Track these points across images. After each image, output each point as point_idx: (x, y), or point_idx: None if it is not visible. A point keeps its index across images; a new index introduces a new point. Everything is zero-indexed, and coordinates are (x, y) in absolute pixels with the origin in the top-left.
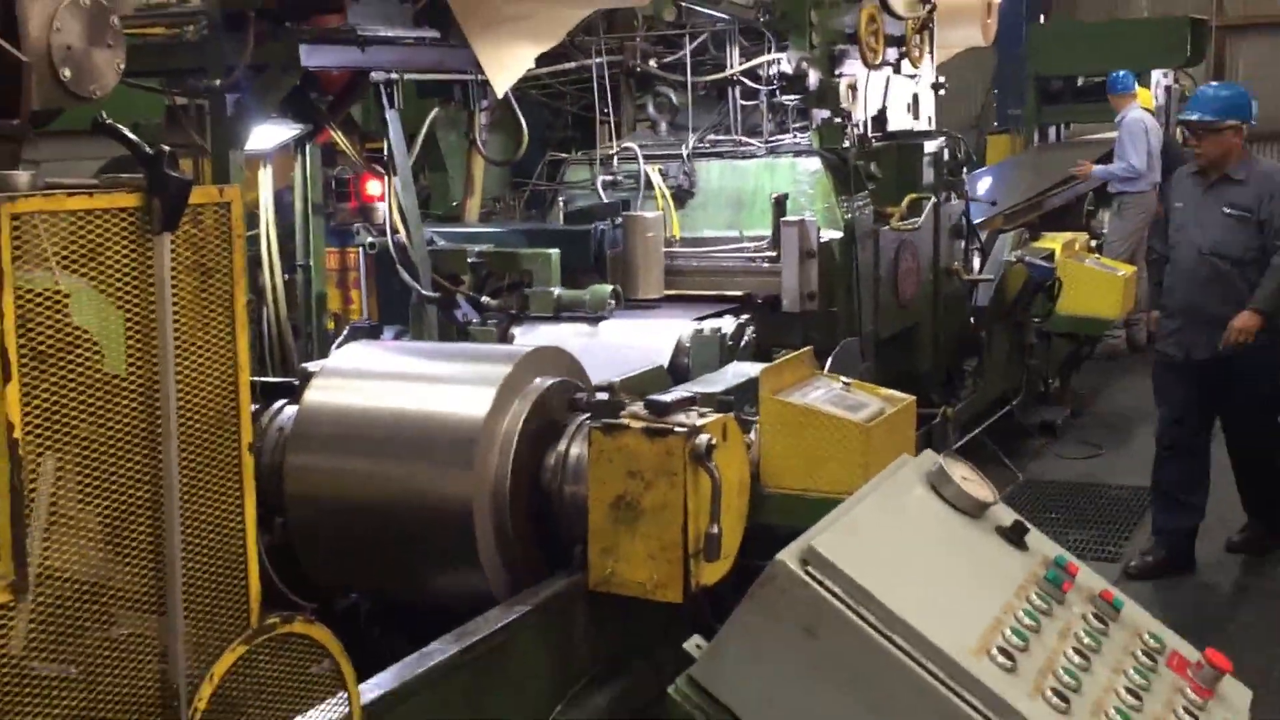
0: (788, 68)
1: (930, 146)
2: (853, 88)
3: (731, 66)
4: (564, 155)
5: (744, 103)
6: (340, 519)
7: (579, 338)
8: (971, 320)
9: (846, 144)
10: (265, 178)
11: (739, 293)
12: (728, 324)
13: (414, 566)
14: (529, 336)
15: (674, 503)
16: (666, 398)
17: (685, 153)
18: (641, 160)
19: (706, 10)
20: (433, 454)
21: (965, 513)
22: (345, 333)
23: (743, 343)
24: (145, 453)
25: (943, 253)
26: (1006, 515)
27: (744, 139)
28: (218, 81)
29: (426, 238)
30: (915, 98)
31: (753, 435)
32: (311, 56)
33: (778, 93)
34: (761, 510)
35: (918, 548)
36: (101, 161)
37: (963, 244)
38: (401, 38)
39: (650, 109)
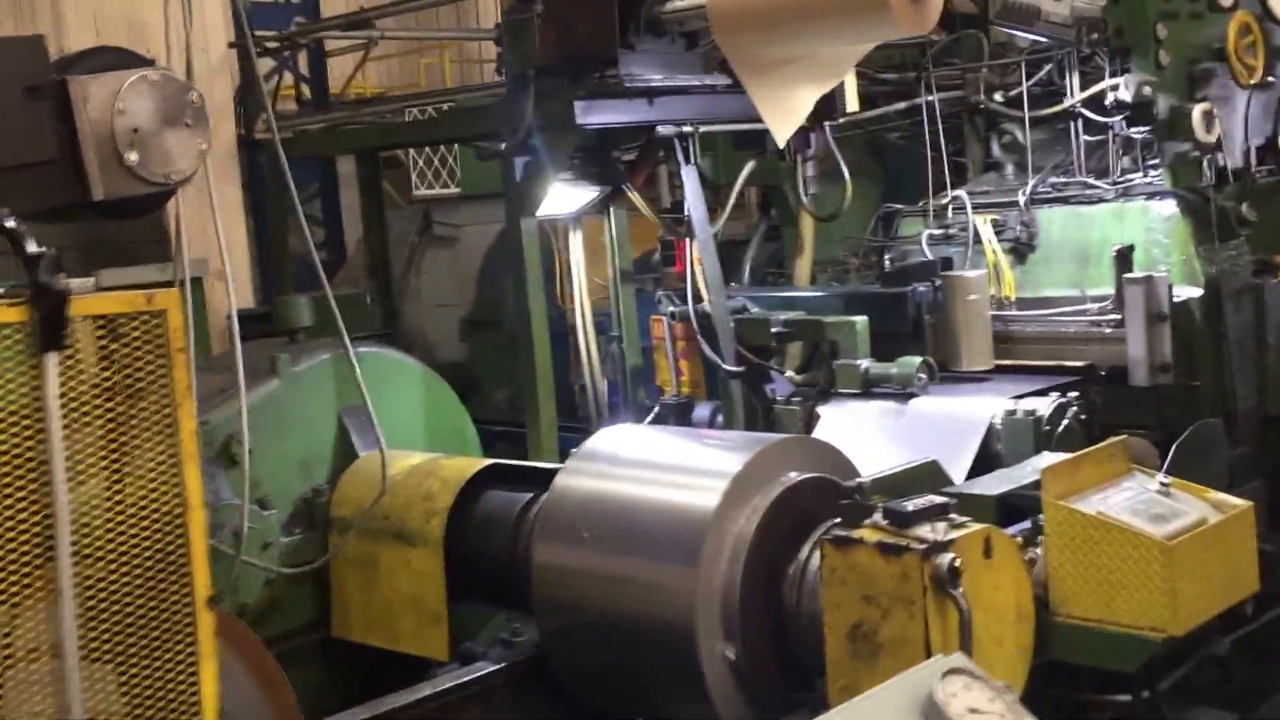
0: (1126, 94)
1: None
2: (1209, 114)
3: (1071, 96)
4: (897, 207)
5: (1090, 139)
6: (575, 628)
7: (884, 417)
8: None
9: (1203, 181)
10: (575, 242)
11: (1080, 363)
12: (1044, 404)
13: (642, 687)
14: (834, 415)
15: (914, 636)
16: (910, 505)
17: (1022, 200)
18: (970, 210)
19: (1021, 33)
20: (657, 555)
21: None
22: (655, 409)
23: (1062, 426)
24: (43, 611)
25: None
26: None
27: (1090, 181)
28: (502, 145)
29: (739, 304)
30: None
31: (1040, 550)
32: (588, 114)
33: (1124, 124)
34: (1051, 642)
35: None
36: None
37: None
38: (685, 87)
39: (995, 150)
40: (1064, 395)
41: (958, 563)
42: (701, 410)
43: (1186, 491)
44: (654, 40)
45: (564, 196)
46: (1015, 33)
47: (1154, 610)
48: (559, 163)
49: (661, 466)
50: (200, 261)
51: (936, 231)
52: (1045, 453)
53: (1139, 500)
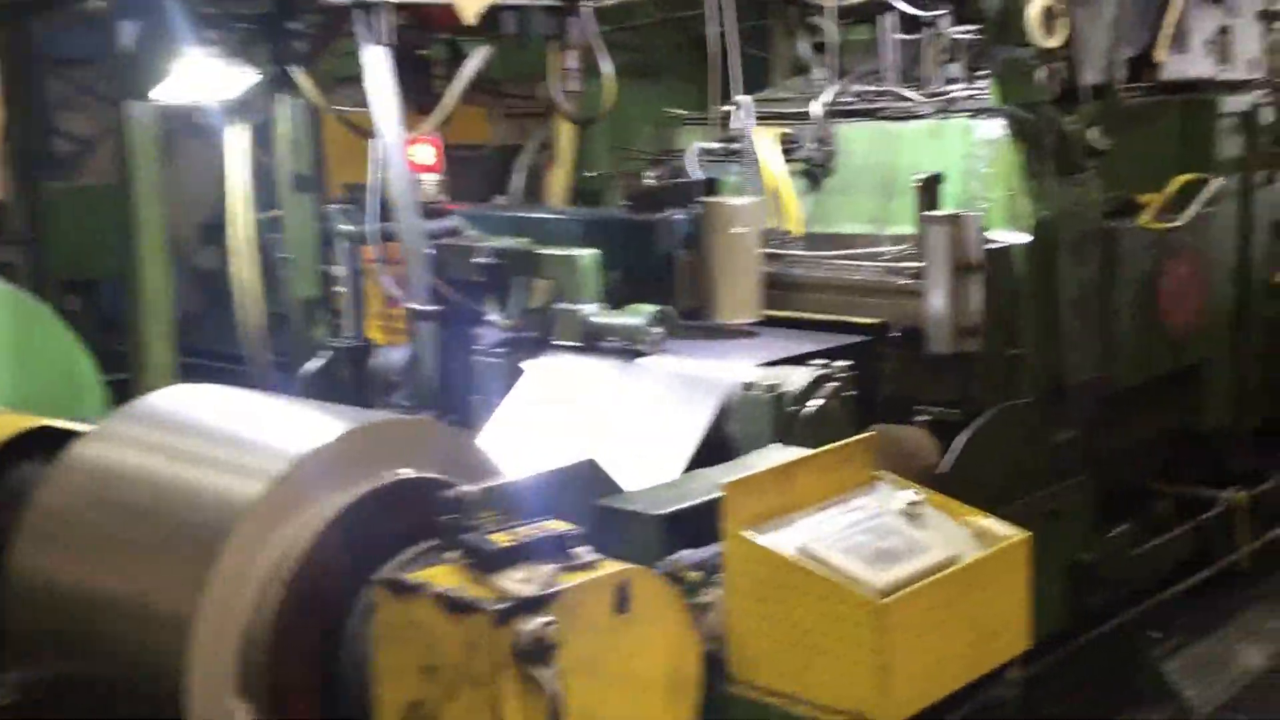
0: None
1: (1235, 104)
2: (1050, 11)
3: None
4: (679, 113)
5: (908, 38)
6: (57, 667)
7: (602, 381)
8: None
9: (1041, 98)
10: (236, 138)
11: (872, 320)
12: (795, 376)
13: None
14: (540, 373)
15: None
16: (506, 538)
17: (815, 110)
18: (748, 120)
19: None
20: (154, 565)
21: None
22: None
23: (808, 405)
24: None
25: (1255, 260)
26: None
27: (903, 92)
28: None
29: (448, 225)
30: (1225, 31)
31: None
32: None
33: (943, 22)
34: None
35: None
36: None
37: None
38: None
39: (805, 50)
40: (829, 363)
41: (548, 631)
42: (398, 355)
43: (944, 512)
44: None
45: (218, 79)
46: None
47: (859, 688)
48: (189, 34)
49: (216, 438)
50: None
51: (715, 145)
52: (777, 446)
53: (869, 527)
